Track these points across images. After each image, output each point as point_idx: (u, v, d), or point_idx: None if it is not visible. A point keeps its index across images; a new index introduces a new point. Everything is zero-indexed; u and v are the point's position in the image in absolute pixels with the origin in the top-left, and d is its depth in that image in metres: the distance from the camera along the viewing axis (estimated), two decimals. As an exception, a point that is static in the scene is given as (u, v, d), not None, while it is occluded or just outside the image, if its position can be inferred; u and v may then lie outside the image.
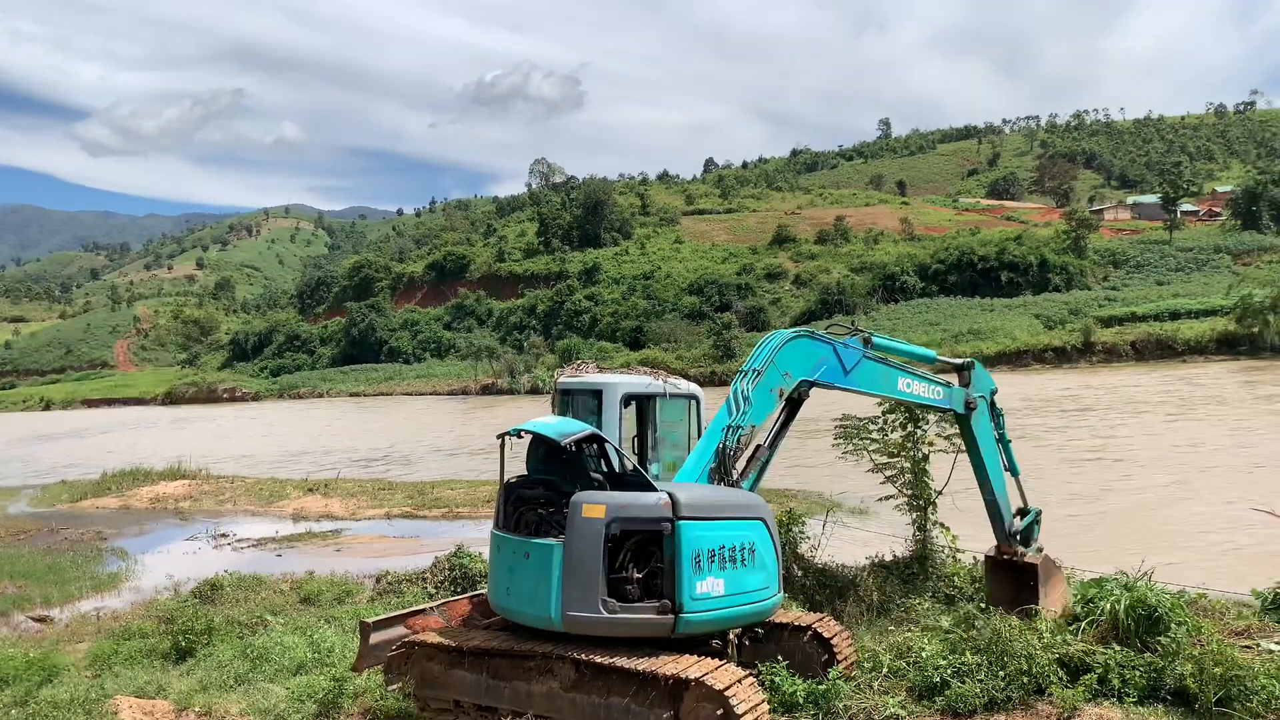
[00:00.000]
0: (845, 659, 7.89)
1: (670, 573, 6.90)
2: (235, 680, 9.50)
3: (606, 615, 6.85)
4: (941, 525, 10.74)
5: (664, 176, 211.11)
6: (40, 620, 13.62)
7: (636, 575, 6.95)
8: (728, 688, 6.52)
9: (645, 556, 6.98)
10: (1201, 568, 11.97)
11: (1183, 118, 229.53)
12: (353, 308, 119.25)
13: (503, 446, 7.61)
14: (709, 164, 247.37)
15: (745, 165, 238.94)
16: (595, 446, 7.87)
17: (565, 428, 7.46)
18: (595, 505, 6.92)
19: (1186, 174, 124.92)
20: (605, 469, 8.14)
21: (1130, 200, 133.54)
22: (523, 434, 7.60)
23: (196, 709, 8.87)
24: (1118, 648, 7.56)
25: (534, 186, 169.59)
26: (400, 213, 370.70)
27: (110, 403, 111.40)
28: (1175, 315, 66.00)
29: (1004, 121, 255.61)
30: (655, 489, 7.13)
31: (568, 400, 9.68)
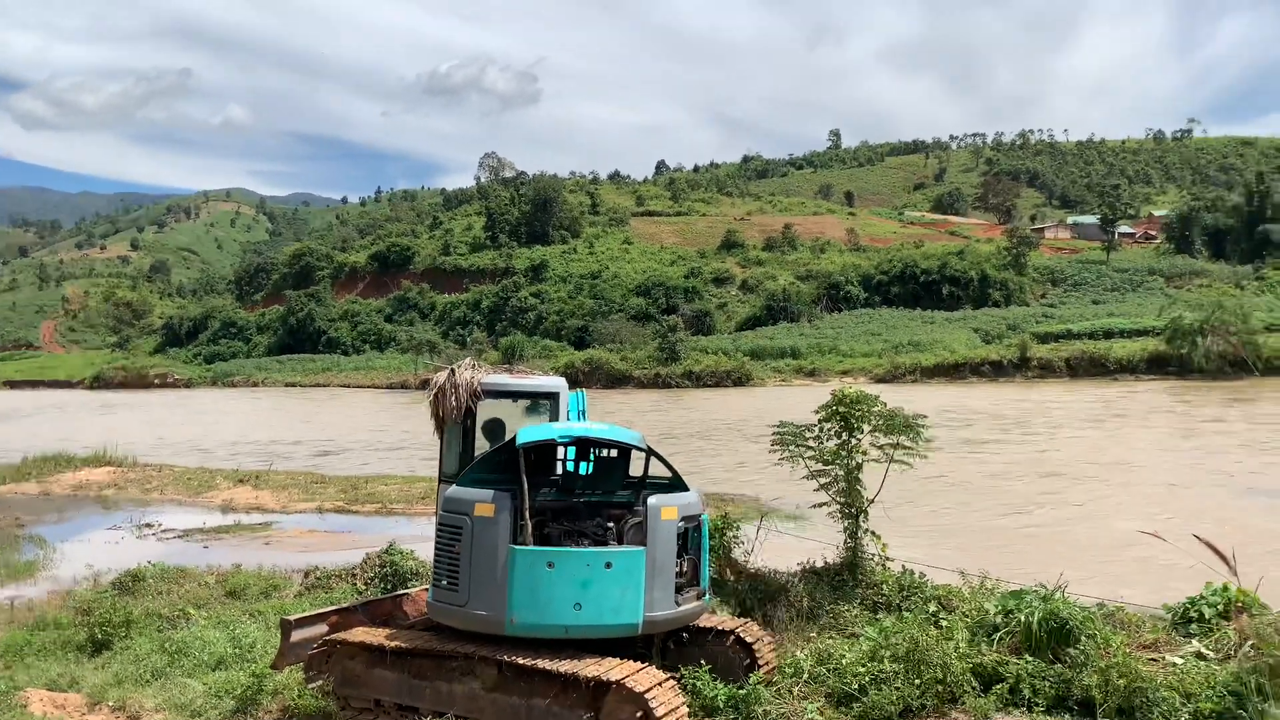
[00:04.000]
0: (767, 664, 8.00)
1: (696, 562, 7.64)
2: (152, 675, 9.32)
3: (676, 610, 7.33)
4: (873, 534, 10.90)
5: (615, 176, 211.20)
6: (-51, 609, 13.18)
7: (683, 568, 7.49)
8: (648, 690, 6.59)
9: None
10: (1123, 581, 12.34)
11: (1123, 141, 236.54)
12: (292, 296, 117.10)
13: (524, 456, 7.41)
14: (660, 166, 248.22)
15: (696, 169, 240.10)
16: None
17: (628, 434, 7.92)
18: (670, 508, 7.34)
19: (1125, 196, 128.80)
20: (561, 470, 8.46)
21: (1070, 220, 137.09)
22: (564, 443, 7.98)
23: (110, 703, 8.69)
24: (1030, 658, 7.78)
25: (483, 180, 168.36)
26: (345, 201, 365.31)
27: (34, 385, 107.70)
28: (1109, 334, 67.87)
29: (951, 138, 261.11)
30: (686, 485, 7.80)
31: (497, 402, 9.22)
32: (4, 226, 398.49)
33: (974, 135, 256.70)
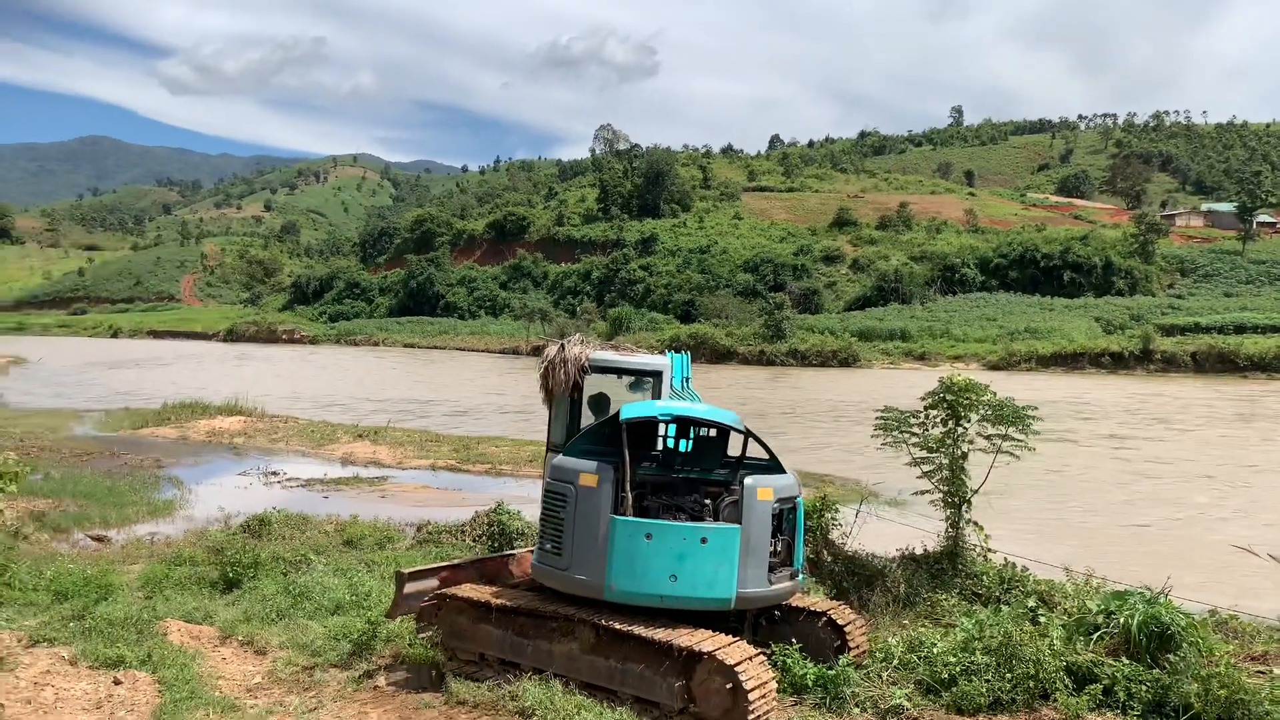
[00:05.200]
0: (857, 647, 8.10)
1: (790, 543, 7.86)
2: (277, 614, 9.95)
3: (769, 588, 7.56)
4: (975, 524, 10.77)
5: (728, 150, 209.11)
6: (98, 540, 14.30)
7: (777, 548, 7.71)
8: (739, 663, 6.81)
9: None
10: (1243, 591, 11.88)
11: (1268, 125, 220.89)
12: (413, 260, 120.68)
13: (627, 431, 7.68)
14: (774, 140, 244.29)
15: (811, 144, 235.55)
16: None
17: (727, 415, 8.15)
18: (766, 489, 7.57)
19: (1266, 184, 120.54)
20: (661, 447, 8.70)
21: (1204, 207, 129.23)
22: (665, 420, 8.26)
23: (240, 638, 9.36)
24: (1127, 661, 7.66)
25: (598, 152, 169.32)
26: (465, 169, 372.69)
27: (175, 335, 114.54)
28: (1240, 329, 64.13)
29: (1080, 117, 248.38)
30: (783, 468, 7.98)
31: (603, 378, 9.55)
32: (151, 185, 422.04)
33: (1104, 115, 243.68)
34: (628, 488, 7.53)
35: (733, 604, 7.39)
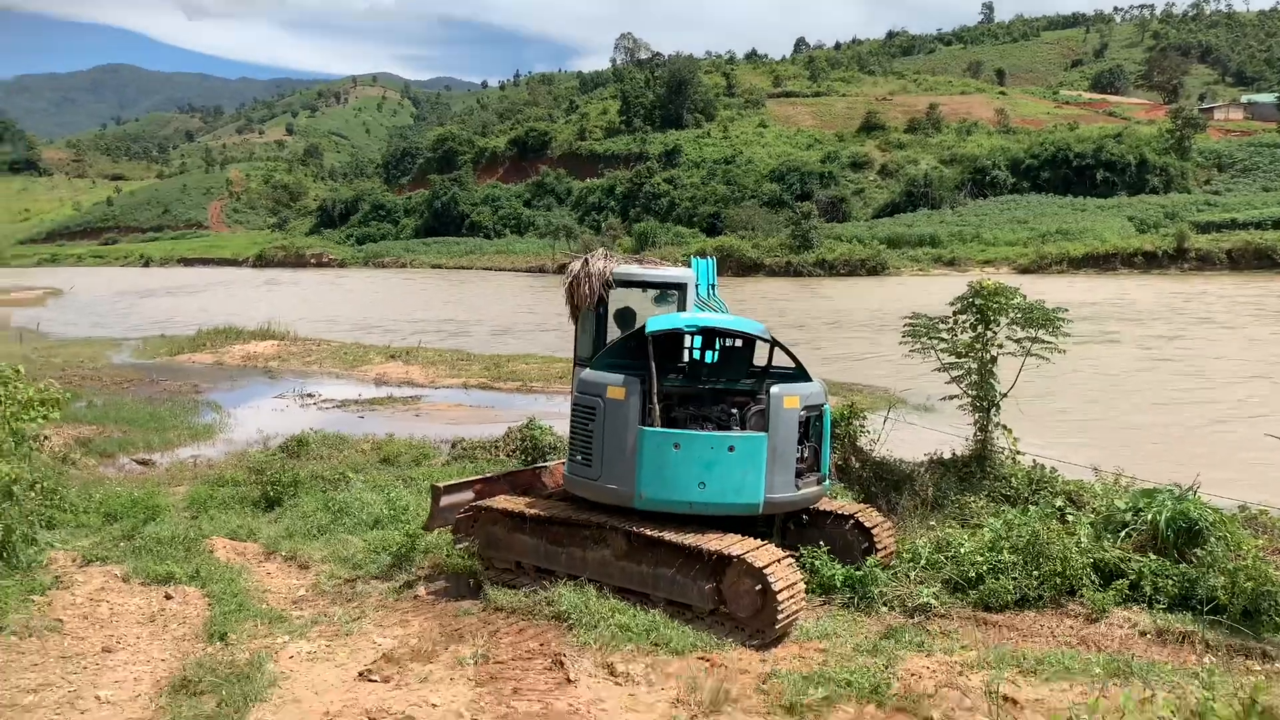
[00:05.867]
0: (885, 549, 8.24)
1: (817, 449, 7.99)
2: (318, 530, 10.28)
3: (796, 493, 7.71)
4: (1004, 427, 10.77)
5: (752, 56, 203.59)
6: (143, 464, 14.73)
7: (804, 454, 7.85)
8: (767, 565, 6.96)
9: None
10: (1276, 484, 11.83)
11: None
12: (436, 180, 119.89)
13: (652, 344, 7.78)
14: (800, 44, 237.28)
15: (838, 46, 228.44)
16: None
17: (752, 325, 8.20)
18: (792, 396, 7.66)
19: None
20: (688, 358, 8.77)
21: (1244, 99, 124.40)
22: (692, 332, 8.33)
23: (283, 554, 9.69)
24: (1154, 557, 7.73)
25: (619, 62, 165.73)
26: (485, 85, 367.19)
27: (205, 262, 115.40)
28: (1279, 224, 62.54)
29: (1115, 9, 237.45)
30: (809, 376, 8.11)
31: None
32: (173, 112, 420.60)
33: (1141, 6, 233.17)
34: (655, 399, 7.61)
35: (760, 509, 7.53)
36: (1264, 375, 22.78)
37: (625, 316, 9.31)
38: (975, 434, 10.91)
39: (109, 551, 9.45)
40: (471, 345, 31.39)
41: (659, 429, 7.52)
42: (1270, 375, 22.75)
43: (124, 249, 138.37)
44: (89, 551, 9.43)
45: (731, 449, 7.39)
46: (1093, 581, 7.62)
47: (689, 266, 9.42)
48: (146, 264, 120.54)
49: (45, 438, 11.69)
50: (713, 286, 9.40)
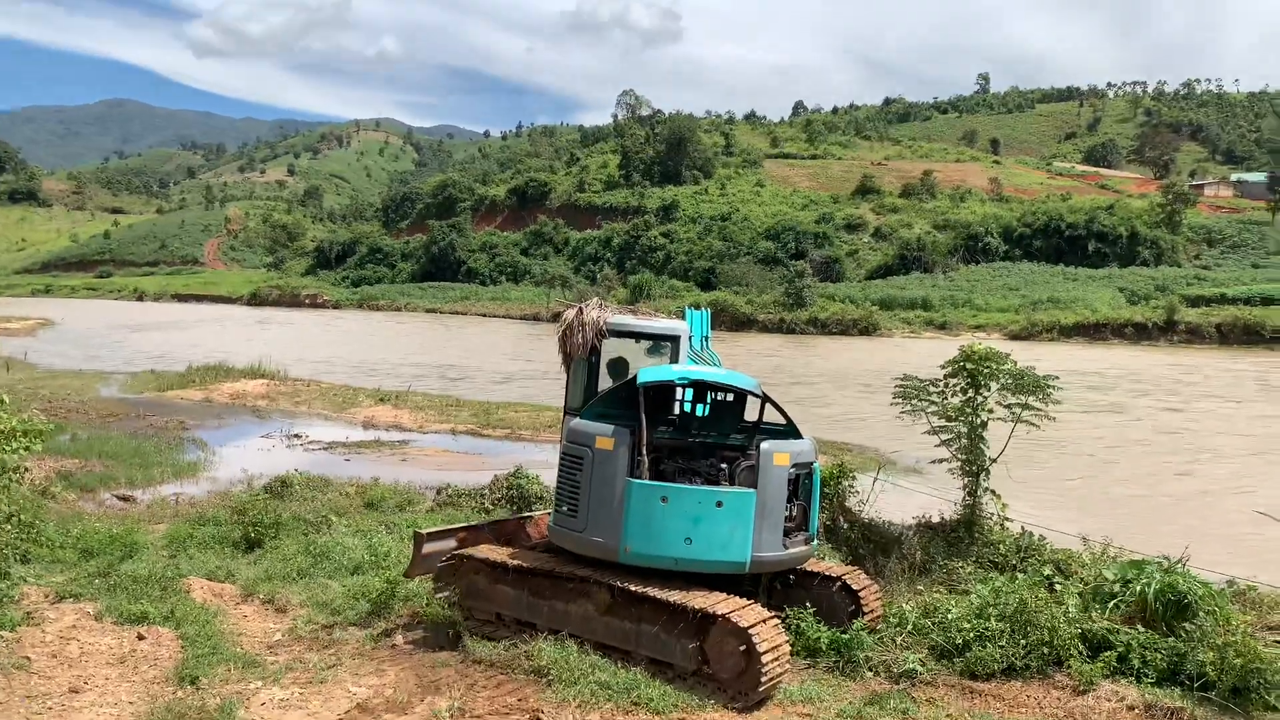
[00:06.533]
0: (872, 612, 8.13)
1: (806, 508, 7.90)
2: (298, 573, 10.11)
3: (784, 552, 7.60)
4: (993, 493, 10.74)
5: (750, 117, 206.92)
6: (124, 499, 14.56)
7: (792, 512, 7.74)
8: (752, 625, 6.86)
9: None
10: (1265, 563, 11.78)
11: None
12: (435, 226, 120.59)
13: (643, 395, 7.74)
14: (798, 107, 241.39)
15: (835, 111, 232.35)
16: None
17: (745, 379, 8.17)
18: (782, 453, 7.59)
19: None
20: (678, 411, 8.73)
21: (1234, 177, 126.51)
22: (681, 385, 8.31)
23: (261, 596, 9.52)
24: (1143, 629, 7.64)
25: (620, 118, 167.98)
26: (487, 134, 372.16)
27: (199, 299, 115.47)
28: (1268, 301, 63.09)
29: (1109, 85, 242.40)
30: (800, 433, 8.01)
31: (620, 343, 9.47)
32: (176, 148, 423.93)
33: (1133, 83, 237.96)
34: (644, 451, 7.55)
35: (747, 567, 7.43)
36: (1260, 451, 22.80)
37: (618, 367, 9.29)
38: (964, 498, 10.86)
39: (83, 588, 9.27)
40: (462, 391, 31.28)
41: (647, 481, 7.45)
42: (1265, 451, 22.77)
43: (119, 282, 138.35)
44: (63, 588, 9.25)
45: (719, 504, 7.32)
46: (1080, 652, 7.51)
47: (683, 318, 9.42)
48: (140, 298, 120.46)
49: (26, 469, 11.52)
50: (706, 339, 9.39)
